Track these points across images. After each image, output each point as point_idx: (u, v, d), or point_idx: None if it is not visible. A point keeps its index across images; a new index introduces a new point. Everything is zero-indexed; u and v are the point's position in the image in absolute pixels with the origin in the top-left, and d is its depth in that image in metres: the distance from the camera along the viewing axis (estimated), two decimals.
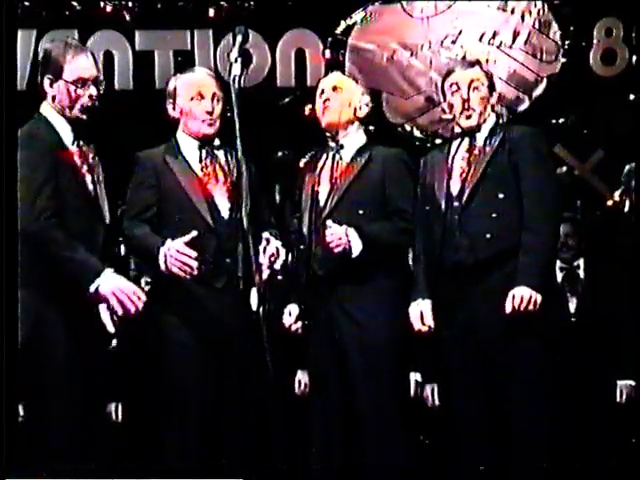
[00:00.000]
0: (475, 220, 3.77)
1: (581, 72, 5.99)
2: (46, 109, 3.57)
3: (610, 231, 5.55)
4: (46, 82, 3.55)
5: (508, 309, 3.64)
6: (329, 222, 3.77)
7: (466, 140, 3.86)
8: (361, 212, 3.88)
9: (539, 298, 3.64)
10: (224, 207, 3.73)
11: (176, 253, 3.52)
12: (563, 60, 6.03)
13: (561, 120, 5.94)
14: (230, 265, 3.67)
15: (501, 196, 3.76)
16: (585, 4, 5.97)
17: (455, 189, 3.82)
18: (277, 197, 4.11)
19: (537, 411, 3.70)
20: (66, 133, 3.55)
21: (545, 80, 6.04)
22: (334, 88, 3.98)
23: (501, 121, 3.95)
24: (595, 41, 5.98)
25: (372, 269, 3.85)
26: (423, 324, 3.82)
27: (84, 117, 3.54)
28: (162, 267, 3.56)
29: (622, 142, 5.65)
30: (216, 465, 3.55)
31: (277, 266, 3.65)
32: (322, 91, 4.00)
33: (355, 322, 3.84)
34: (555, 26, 6.02)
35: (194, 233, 3.55)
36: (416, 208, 3.93)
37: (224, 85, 3.83)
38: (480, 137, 3.85)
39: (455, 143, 3.90)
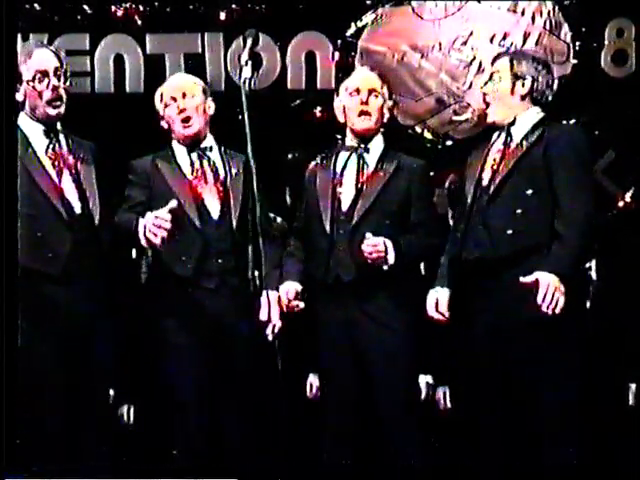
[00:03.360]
0: (499, 215, 3.68)
1: (592, 73, 5.96)
2: (21, 119, 3.55)
3: (622, 232, 5.53)
4: None
5: (539, 299, 3.45)
6: (368, 234, 3.75)
7: (504, 133, 3.80)
8: (388, 222, 3.87)
9: (562, 289, 3.48)
10: (214, 208, 3.75)
11: (153, 218, 3.51)
12: (574, 61, 6.01)
13: (572, 121, 5.91)
14: (222, 266, 3.68)
15: (529, 192, 3.66)
16: (596, 5, 5.95)
17: (485, 181, 3.75)
18: (287, 199, 4.09)
19: (559, 410, 3.65)
20: (38, 138, 3.53)
21: (556, 81, 6.02)
22: (371, 91, 3.94)
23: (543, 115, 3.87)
24: (606, 42, 5.95)
25: (393, 272, 3.84)
26: (437, 312, 3.79)
27: (54, 113, 3.51)
28: (143, 241, 3.54)
29: (633, 143, 5.64)
30: (215, 465, 3.56)
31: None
32: (357, 90, 3.95)
33: (378, 323, 3.84)
34: (566, 27, 6.00)
35: (174, 203, 3.53)
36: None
37: (201, 83, 3.86)
38: (518, 131, 3.78)
39: (495, 135, 3.85)
